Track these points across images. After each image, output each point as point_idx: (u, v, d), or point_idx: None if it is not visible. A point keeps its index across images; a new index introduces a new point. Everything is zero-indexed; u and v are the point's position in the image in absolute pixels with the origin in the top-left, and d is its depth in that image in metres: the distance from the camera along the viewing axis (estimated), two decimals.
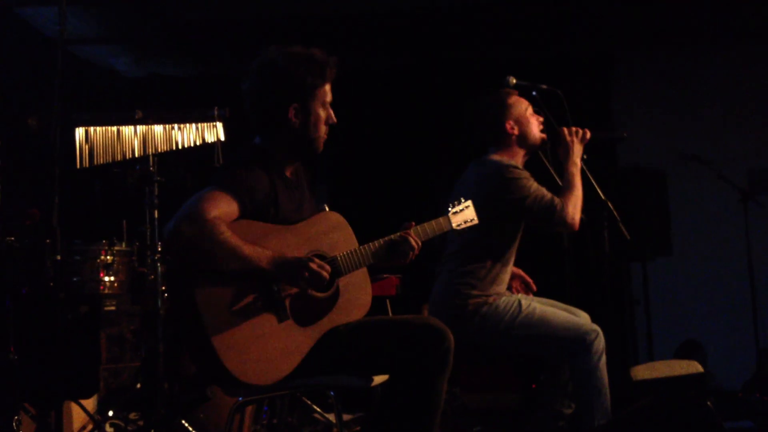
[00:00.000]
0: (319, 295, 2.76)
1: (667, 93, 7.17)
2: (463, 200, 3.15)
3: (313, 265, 2.64)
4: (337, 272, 2.78)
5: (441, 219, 3.06)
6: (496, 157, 3.80)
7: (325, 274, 2.66)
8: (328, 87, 2.91)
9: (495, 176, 3.69)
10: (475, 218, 3.15)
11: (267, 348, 2.62)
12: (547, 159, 3.96)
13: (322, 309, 2.78)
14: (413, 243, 2.90)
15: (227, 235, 2.57)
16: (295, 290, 2.70)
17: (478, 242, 3.68)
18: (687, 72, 7.13)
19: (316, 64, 2.86)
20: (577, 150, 3.82)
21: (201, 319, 2.53)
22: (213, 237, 2.55)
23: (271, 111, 2.87)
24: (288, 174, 2.94)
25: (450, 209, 3.11)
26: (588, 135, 3.86)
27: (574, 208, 3.69)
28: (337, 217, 2.97)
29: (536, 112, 3.90)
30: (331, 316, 2.79)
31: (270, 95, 2.86)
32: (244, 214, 2.69)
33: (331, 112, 2.93)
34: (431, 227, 3.02)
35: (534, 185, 3.67)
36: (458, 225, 3.11)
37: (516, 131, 3.81)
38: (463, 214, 3.13)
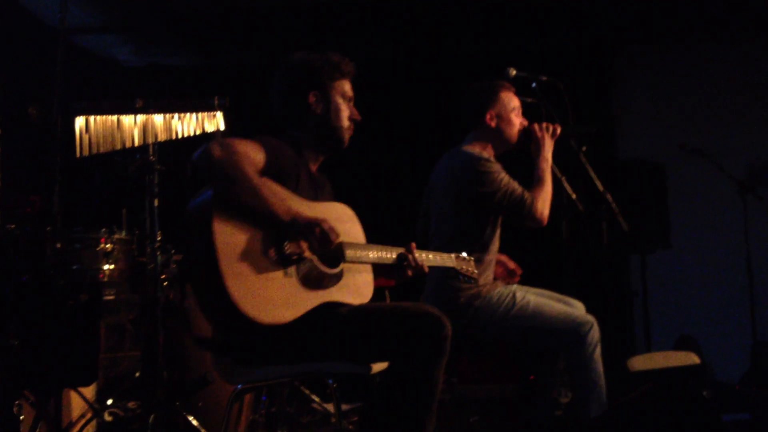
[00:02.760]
0: (324, 268, 2.80)
1: (667, 85, 7.18)
2: (465, 254, 3.31)
3: (325, 225, 2.72)
4: (342, 256, 2.84)
5: (445, 255, 3.21)
6: (469, 148, 3.82)
7: (333, 236, 2.74)
8: (347, 83, 3.11)
9: (467, 168, 3.70)
10: (475, 273, 3.30)
11: (271, 290, 2.65)
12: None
13: (326, 282, 2.82)
14: (412, 261, 3.02)
15: (252, 171, 2.68)
16: (303, 251, 2.74)
17: (461, 235, 3.71)
18: (688, 64, 7.14)
19: (332, 59, 3.06)
20: (548, 145, 3.84)
21: (213, 244, 2.58)
22: (239, 167, 2.65)
23: (292, 99, 3.05)
24: (313, 169, 3.07)
25: (455, 253, 3.26)
26: (558, 130, 3.87)
27: (544, 203, 3.71)
28: (350, 211, 3.06)
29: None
30: (333, 290, 2.83)
31: (291, 85, 3.06)
32: (268, 171, 2.77)
33: (354, 109, 3.11)
34: (434, 257, 3.16)
35: (505, 179, 3.68)
36: (460, 268, 3.25)
37: (493, 124, 3.82)
38: (468, 264, 3.29)
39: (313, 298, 2.75)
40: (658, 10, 6.61)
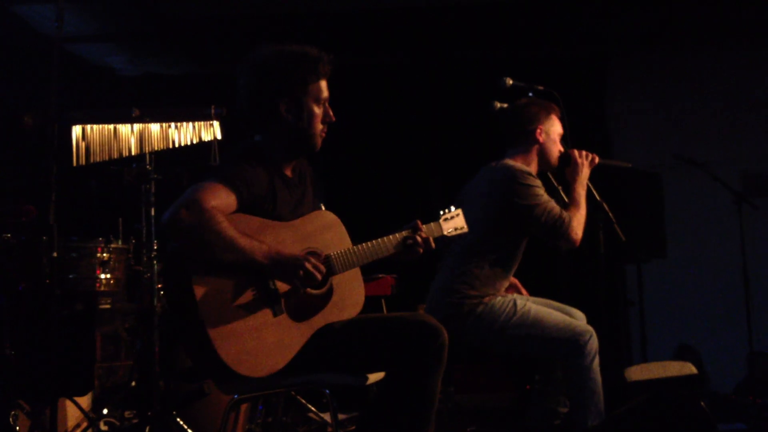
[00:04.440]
0: (313, 291, 2.78)
1: (662, 95, 7.19)
2: (453, 208, 3.15)
3: (308, 265, 2.66)
4: (330, 270, 2.81)
5: (432, 224, 3.06)
6: (511, 162, 3.82)
7: (318, 275, 2.69)
8: (323, 84, 2.90)
9: (508, 180, 3.71)
10: (465, 227, 3.16)
11: (262, 340, 2.63)
12: (556, 179, 4.00)
13: (316, 305, 2.80)
14: (420, 240, 2.93)
15: (224, 225, 2.59)
16: (287, 286, 2.72)
17: (483, 244, 3.71)
18: (682, 74, 7.16)
19: (308, 60, 2.85)
20: (586, 172, 3.89)
21: (197, 309, 2.54)
22: (210, 226, 2.56)
23: (263, 107, 2.87)
24: (288, 173, 2.94)
25: (441, 215, 3.11)
26: (596, 160, 3.93)
27: (579, 225, 3.74)
28: (331, 217, 2.99)
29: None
30: (325, 313, 2.81)
31: (261, 91, 2.86)
32: (242, 207, 2.70)
33: (329, 110, 2.92)
34: (427, 229, 3.01)
35: (545, 196, 3.71)
36: (449, 231, 3.11)
37: (542, 140, 3.85)
38: (454, 222, 3.13)
39: (306, 330, 2.74)
40: (652, 21, 6.63)
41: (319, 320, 2.78)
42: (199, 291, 2.56)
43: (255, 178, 2.76)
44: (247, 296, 2.64)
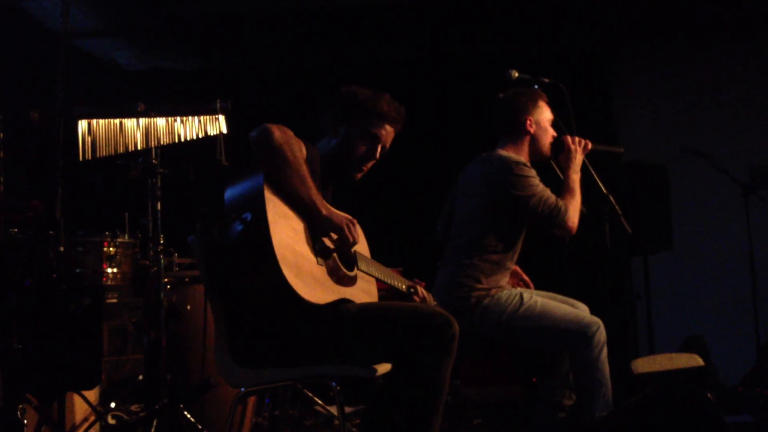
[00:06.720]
0: (344, 269, 2.92)
1: (668, 87, 7.18)
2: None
3: (356, 224, 2.90)
4: (356, 263, 2.96)
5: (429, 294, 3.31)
6: (504, 152, 3.82)
7: (359, 230, 2.95)
8: (376, 125, 3.14)
9: (503, 171, 3.71)
10: None
11: (310, 269, 2.74)
12: (560, 168, 3.99)
13: (345, 282, 2.91)
14: (421, 294, 3.21)
15: (302, 159, 2.81)
16: (333, 246, 2.87)
17: (485, 237, 3.73)
18: (689, 66, 7.14)
19: (364, 98, 3.15)
20: (579, 159, 3.89)
21: (265, 214, 2.64)
22: (294, 150, 2.78)
23: (323, 124, 3.21)
24: (326, 192, 3.13)
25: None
26: (590, 146, 3.92)
27: (575, 212, 3.75)
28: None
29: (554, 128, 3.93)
30: (351, 290, 2.91)
31: (325, 110, 3.21)
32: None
33: (377, 150, 3.13)
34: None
35: (540, 185, 3.72)
36: None
37: (532, 130, 3.85)
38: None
39: (339, 290, 2.83)
40: (658, 13, 6.62)
41: (347, 291, 2.88)
42: (270, 202, 2.68)
43: (317, 158, 3.00)
44: (302, 232, 2.78)
